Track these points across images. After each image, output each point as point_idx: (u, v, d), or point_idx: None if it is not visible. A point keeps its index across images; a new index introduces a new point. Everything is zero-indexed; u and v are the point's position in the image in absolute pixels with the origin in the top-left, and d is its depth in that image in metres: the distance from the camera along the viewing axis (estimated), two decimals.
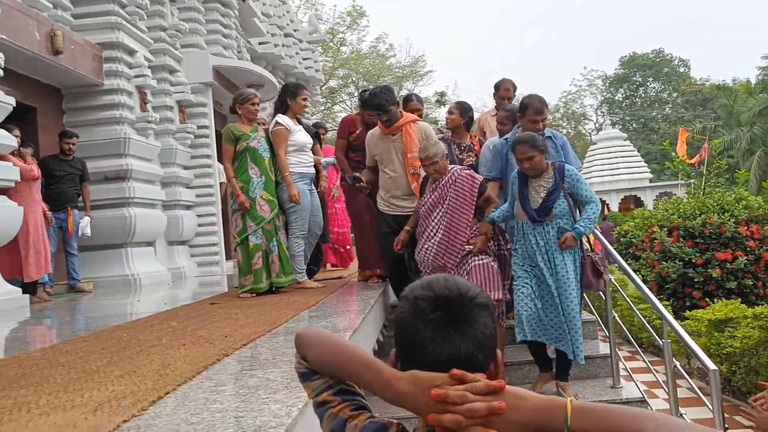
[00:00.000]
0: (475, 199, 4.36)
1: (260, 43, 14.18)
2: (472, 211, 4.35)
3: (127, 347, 2.80)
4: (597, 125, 48.08)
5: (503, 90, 5.90)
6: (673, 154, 12.77)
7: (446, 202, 4.36)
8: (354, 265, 7.28)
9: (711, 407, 2.89)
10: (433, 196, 4.43)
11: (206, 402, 1.77)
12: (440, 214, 4.37)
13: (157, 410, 1.72)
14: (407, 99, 6.02)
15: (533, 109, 4.44)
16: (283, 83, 6.20)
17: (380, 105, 4.87)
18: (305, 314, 3.66)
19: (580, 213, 4.10)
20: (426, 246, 4.39)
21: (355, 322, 3.16)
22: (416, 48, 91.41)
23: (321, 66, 19.04)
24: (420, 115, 5.59)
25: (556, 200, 3.93)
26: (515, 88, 5.97)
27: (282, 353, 2.46)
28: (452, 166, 4.55)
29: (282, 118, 5.21)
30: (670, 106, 48.38)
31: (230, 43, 11.03)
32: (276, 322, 3.29)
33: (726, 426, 2.98)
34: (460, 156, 5.33)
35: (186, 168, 9.62)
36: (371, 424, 1.12)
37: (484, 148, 5.27)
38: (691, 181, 14.48)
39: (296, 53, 16.01)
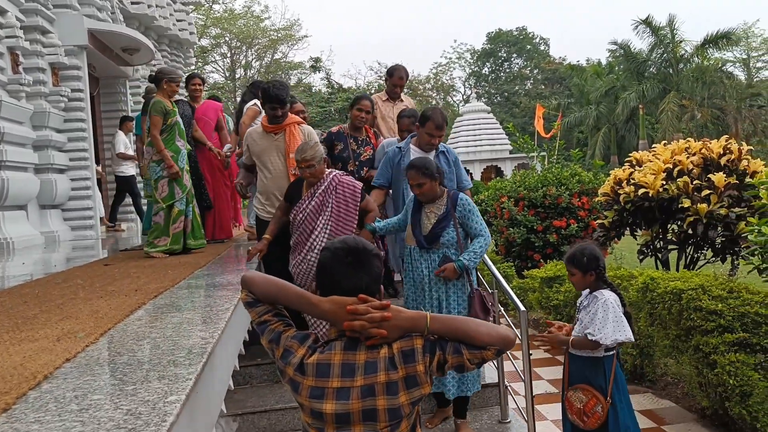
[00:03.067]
0: (358, 206, 4.27)
1: (133, 3, 13.88)
2: (356, 220, 4.27)
3: (49, 300, 3.26)
4: (464, 97, 50.39)
5: (396, 78, 6.04)
6: (518, 134, 14.19)
7: (329, 210, 4.21)
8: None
9: (521, 340, 3.84)
10: (312, 203, 4.23)
11: (145, 333, 2.36)
12: (323, 222, 4.20)
13: (108, 339, 2.28)
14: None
15: (434, 124, 4.37)
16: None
17: (283, 98, 4.78)
18: (199, 272, 4.21)
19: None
20: (309, 257, 4.19)
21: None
22: (291, 11, 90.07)
23: (195, 28, 18.78)
24: (304, 118, 5.78)
25: (446, 228, 3.85)
26: (407, 76, 6.23)
27: (191, 301, 3.05)
28: (330, 170, 4.39)
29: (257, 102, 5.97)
30: (531, 81, 51.65)
31: (104, 5, 10.87)
32: (176, 279, 3.83)
33: (531, 353, 3.91)
34: (358, 150, 5.30)
35: (59, 131, 9.54)
36: (298, 334, 1.81)
37: (380, 147, 5.29)
38: (543, 153, 16.14)
39: (170, 14, 15.76)
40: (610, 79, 36.38)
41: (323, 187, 4.22)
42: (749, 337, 4.20)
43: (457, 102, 49.95)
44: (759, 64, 41.73)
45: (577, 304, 3.64)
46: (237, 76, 38.57)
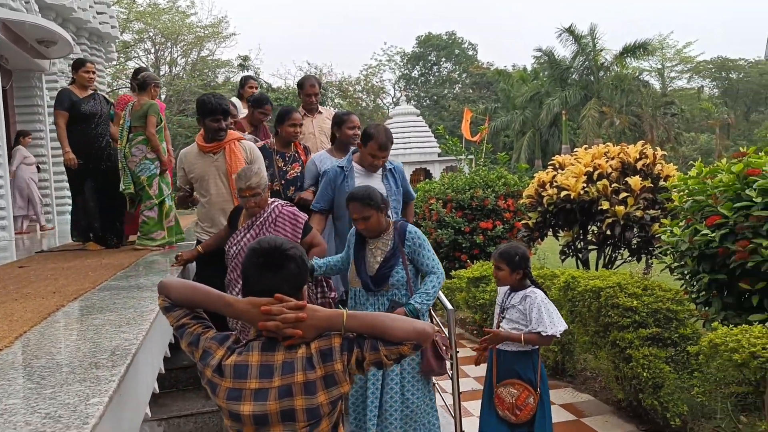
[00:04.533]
0: (298, 242, 3.74)
1: None
2: None
3: None
4: (394, 99, 50.77)
5: (308, 87, 5.78)
6: (447, 136, 14.47)
7: None
8: None
9: (449, 336, 3.91)
10: (248, 236, 3.74)
11: (64, 335, 2.27)
12: None
13: (24, 342, 2.19)
14: (246, 79, 5.99)
15: (377, 144, 3.98)
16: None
17: (227, 108, 4.35)
18: (122, 274, 4.08)
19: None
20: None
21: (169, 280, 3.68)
22: (219, 8, 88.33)
23: (117, 22, 18.14)
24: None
25: (395, 267, 3.38)
26: (320, 84, 6.00)
27: (113, 303, 2.95)
28: (273, 200, 3.90)
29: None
30: (459, 86, 52.57)
31: None
32: (97, 281, 3.70)
33: (458, 351, 3.99)
34: (284, 168, 4.85)
35: None
36: (217, 335, 1.79)
37: (309, 162, 4.82)
38: (471, 157, 16.47)
39: (89, 6, 15.15)
40: (535, 84, 37.48)
41: (261, 219, 3.75)
42: (661, 332, 4.43)
43: (387, 104, 50.23)
44: (672, 74, 44.00)
45: (499, 303, 3.71)
46: (162, 73, 37.46)
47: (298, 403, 1.69)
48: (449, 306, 3.91)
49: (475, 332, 7.81)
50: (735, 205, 4.54)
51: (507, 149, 35.20)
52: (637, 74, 35.57)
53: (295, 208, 3.93)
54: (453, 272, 8.71)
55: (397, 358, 1.75)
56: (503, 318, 3.63)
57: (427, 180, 16.86)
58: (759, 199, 4.38)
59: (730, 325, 4.06)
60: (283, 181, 4.77)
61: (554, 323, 3.46)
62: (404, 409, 3.40)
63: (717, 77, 45.92)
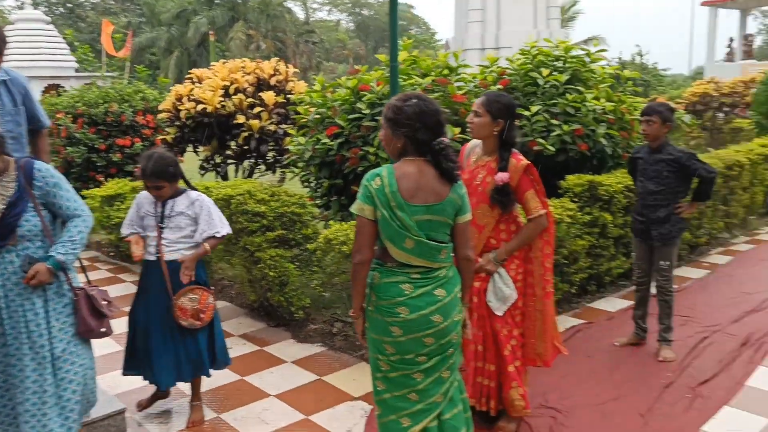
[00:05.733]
0: None
1: None
2: None
3: None
4: (19, 3, 43.65)
5: None
6: (77, 43, 13.11)
7: None
8: None
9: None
10: None
11: None
12: None
13: None
14: None
15: None
16: None
17: None
18: None
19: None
20: None
21: None
22: None
23: None
24: None
25: (22, 214, 2.76)
26: None
27: None
28: None
29: None
30: None
31: None
32: None
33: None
34: None
35: None
36: None
37: None
38: (113, 74, 15.11)
39: None
40: (182, 1, 35.90)
41: None
42: (286, 234, 4.75)
43: (8, 8, 42.95)
44: (314, 6, 46.45)
45: (153, 213, 3.46)
46: None
47: None
48: None
49: (111, 254, 7.41)
50: (349, 117, 5.03)
51: (154, 68, 33.35)
52: (281, 1, 36.58)
53: None
54: (83, 192, 8.04)
55: None
56: (163, 228, 3.45)
57: (55, 92, 15.11)
58: (368, 111, 4.91)
59: (343, 223, 4.56)
60: None
61: (224, 223, 3.54)
62: (59, 384, 2.82)
63: (352, 12, 49.95)
